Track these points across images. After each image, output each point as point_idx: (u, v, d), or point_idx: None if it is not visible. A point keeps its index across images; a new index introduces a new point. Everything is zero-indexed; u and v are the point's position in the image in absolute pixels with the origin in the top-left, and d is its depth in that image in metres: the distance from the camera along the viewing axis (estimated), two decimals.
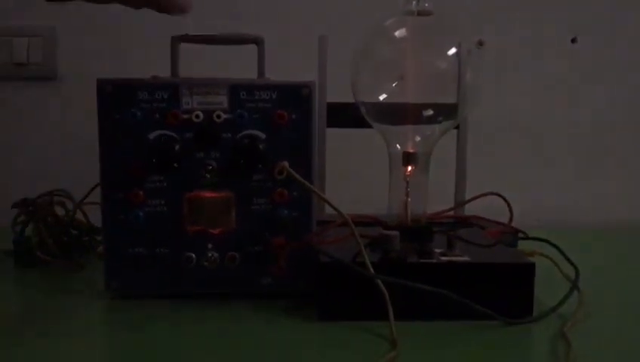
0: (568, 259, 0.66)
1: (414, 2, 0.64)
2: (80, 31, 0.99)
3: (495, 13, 1.00)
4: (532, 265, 0.58)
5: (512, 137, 1.05)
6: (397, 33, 0.65)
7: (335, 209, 0.59)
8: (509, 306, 0.57)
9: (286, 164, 0.61)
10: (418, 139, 0.66)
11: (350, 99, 0.67)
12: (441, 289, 0.56)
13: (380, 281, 0.55)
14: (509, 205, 0.77)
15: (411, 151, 0.65)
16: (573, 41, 0.95)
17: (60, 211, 0.78)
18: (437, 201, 0.72)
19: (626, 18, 1.04)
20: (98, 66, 0.98)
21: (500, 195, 0.77)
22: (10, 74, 1.00)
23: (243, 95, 0.61)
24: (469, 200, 0.77)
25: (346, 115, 0.73)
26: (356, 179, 0.96)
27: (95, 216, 0.72)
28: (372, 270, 0.55)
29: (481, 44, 0.70)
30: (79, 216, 0.78)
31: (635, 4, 1.04)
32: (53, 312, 0.61)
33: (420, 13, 0.64)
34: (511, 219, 0.77)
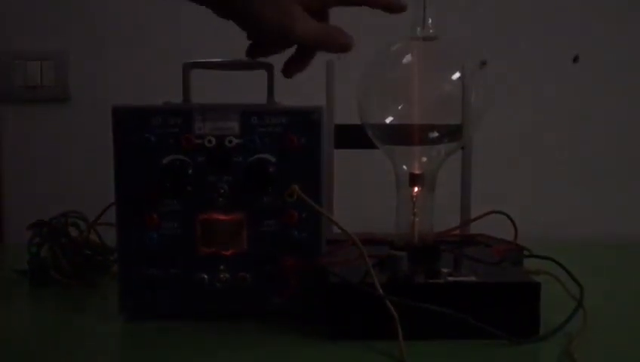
0: (573, 278, 0.67)
1: (419, 28, 0.65)
2: (91, 54, 1.02)
3: (496, 35, 1.02)
4: (538, 285, 0.59)
5: (515, 156, 1.06)
6: (403, 58, 0.67)
7: (343, 231, 0.61)
8: (515, 325, 0.58)
9: (296, 187, 0.62)
10: (424, 160, 0.67)
11: (357, 121, 0.69)
12: (449, 308, 0.57)
13: (388, 302, 0.56)
14: (513, 223, 0.78)
15: (417, 172, 0.67)
16: (575, 59, 0.97)
17: (74, 232, 0.79)
18: (443, 218, 0.73)
19: (625, 38, 1.06)
20: (109, 88, 1.00)
21: (504, 213, 0.78)
22: (23, 96, 1.02)
23: (254, 120, 0.63)
24: (474, 219, 0.79)
25: (354, 137, 0.74)
26: (365, 197, 0.97)
27: (108, 236, 0.74)
28: (381, 291, 0.57)
29: (484, 63, 0.71)
30: (93, 236, 0.80)
31: (634, 25, 1.06)
32: (68, 332, 0.62)
33: (425, 39, 0.66)
34: (515, 237, 0.78)
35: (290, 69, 0.62)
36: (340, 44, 0.58)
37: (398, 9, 0.60)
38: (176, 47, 0.99)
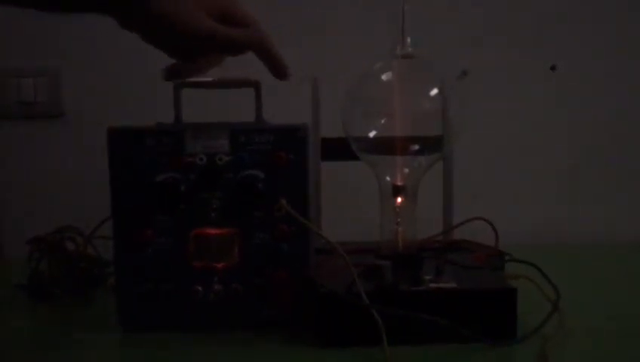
0: (550, 281, 0.71)
1: (398, 47, 0.69)
2: (85, 70, 1.04)
3: (476, 45, 1.05)
4: (514, 290, 0.62)
5: (496, 162, 1.09)
6: (384, 75, 0.70)
7: (330, 243, 0.64)
8: (494, 329, 0.61)
9: (284, 201, 0.65)
10: (406, 171, 0.70)
11: (341, 133, 0.72)
12: (432, 314, 0.60)
13: (374, 310, 0.59)
14: (494, 229, 0.81)
15: (400, 183, 0.70)
16: (553, 68, 1.00)
17: (70, 246, 0.82)
18: (425, 224, 0.76)
19: (603, 42, 1.09)
20: (103, 105, 1.02)
21: (485, 219, 0.81)
22: (17, 113, 1.04)
23: (243, 138, 0.65)
24: (456, 226, 0.82)
25: (339, 149, 0.77)
26: (351, 207, 1.00)
27: (104, 250, 0.77)
28: (366, 300, 0.60)
29: (465, 73, 0.74)
30: (89, 249, 0.82)
31: (612, 28, 1.09)
32: (66, 345, 0.65)
33: (404, 57, 0.69)
34: (497, 242, 0.81)
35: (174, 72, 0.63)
36: (233, 42, 0.58)
37: (283, 75, 0.61)
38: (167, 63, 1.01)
